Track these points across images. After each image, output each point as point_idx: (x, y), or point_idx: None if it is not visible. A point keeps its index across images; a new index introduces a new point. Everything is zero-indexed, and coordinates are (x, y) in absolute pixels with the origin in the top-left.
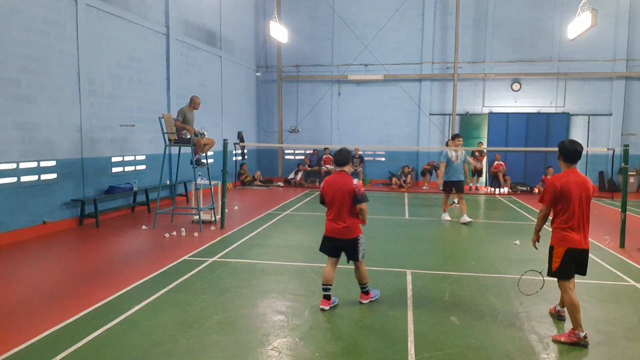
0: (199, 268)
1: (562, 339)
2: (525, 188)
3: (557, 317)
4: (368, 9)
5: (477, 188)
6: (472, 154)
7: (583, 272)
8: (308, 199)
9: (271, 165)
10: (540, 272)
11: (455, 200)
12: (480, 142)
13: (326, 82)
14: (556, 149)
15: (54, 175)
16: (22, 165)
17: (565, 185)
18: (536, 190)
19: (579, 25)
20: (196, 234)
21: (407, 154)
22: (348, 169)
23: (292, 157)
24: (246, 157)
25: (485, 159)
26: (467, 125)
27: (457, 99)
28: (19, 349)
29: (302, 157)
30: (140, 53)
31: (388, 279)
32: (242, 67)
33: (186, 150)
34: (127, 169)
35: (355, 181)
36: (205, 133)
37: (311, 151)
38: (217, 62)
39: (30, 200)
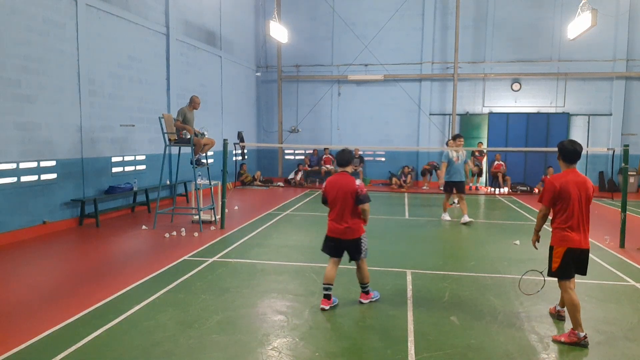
0: (199, 268)
1: (562, 339)
2: (525, 188)
3: (557, 317)
4: (368, 9)
5: (477, 188)
6: (472, 154)
7: (583, 272)
8: (308, 199)
9: (271, 165)
10: (541, 272)
11: (456, 200)
12: (480, 142)
13: (326, 82)
14: (556, 149)
15: (54, 175)
16: (22, 165)
17: (564, 185)
18: (536, 190)
19: (579, 25)
20: (196, 234)
21: (407, 154)
22: (350, 169)
23: (292, 157)
24: (246, 157)
25: (485, 159)
26: (467, 125)
27: (457, 99)
28: (19, 349)
29: (302, 157)
30: (140, 53)
31: (388, 279)
32: (242, 67)
33: (186, 150)
34: (127, 169)
35: (357, 182)
36: (205, 133)
37: (311, 151)
38: (217, 62)
39: (30, 200)
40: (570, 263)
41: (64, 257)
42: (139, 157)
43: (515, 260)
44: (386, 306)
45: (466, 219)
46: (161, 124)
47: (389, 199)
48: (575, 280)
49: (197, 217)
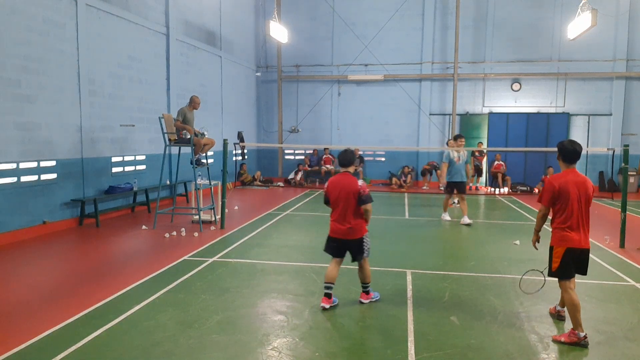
0: (199, 268)
1: (562, 339)
2: (525, 188)
3: (557, 317)
4: (368, 9)
5: (477, 188)
6: (472, 154)
7: (584, 272)
8: (308, 199)
9: (271, 165)
10: (542, 272)
11: (456, 200)
12: (480, 142)
13: (326, 82)
14: (556, 149)
15: (54, 175)
16: (22, 165)
17: (563, 185)
18: (536, 190)
19: (579, 25)
20: (196, 234)
21: (407, 154)
22: (352, 169)
23: (292, 157)
24: (246, 157)
25: (485, 159)
26: (467, 125)
27: (457, 99)
28: (19, 349)
29: (302, 157)
30: (140, 53)
31: (388, 279)
32: (242, 67)
33: (186, 150)
34: (127, 169)
35: (360, 182)
36: (205, 133)
37: (311, 151)
38: (217, 62)
39: (30, 200)
40: (570, 263)
41: (64, 257)
42: (139, 157)
43: (515, 260)
44: (386, 306)
45: (466, 220)
46: (161, 124)
47: (389, 199)
48: (576, 280)
49: (197, 217)
